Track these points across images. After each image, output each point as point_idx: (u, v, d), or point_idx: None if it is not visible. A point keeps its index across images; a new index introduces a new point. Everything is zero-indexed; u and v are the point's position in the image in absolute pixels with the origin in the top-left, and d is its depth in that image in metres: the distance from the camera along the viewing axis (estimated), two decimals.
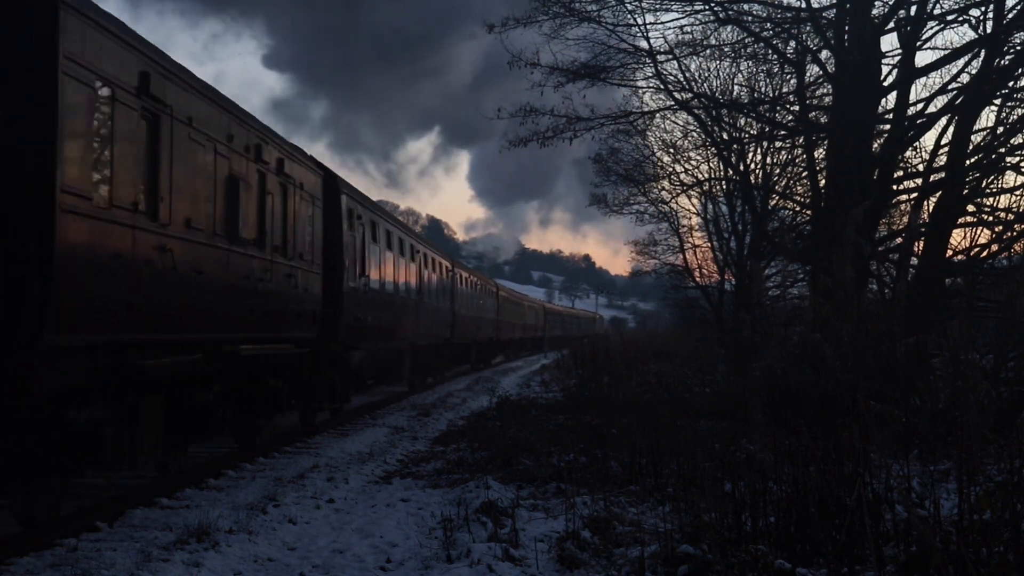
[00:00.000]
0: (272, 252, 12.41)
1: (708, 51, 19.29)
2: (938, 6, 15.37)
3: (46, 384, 7.09)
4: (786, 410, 10.32)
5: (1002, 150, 15.01)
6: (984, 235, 14.96)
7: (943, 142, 15.14)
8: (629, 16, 16.78)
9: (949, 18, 15.33)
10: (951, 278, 14.90)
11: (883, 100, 16.01)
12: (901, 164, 16.06)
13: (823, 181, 16.82)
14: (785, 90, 20.35)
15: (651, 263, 36.22)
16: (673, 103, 19.37)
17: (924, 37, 15.57)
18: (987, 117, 16.38)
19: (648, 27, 17.00)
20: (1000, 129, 15.04)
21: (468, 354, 38.17)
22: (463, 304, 33.73)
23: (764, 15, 17.31)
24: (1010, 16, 14.11)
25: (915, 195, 15.93)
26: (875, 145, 15.82)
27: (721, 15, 16.81)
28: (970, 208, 15.26)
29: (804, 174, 21.00)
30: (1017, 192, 15.06)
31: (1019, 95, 15.17)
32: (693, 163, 29.05)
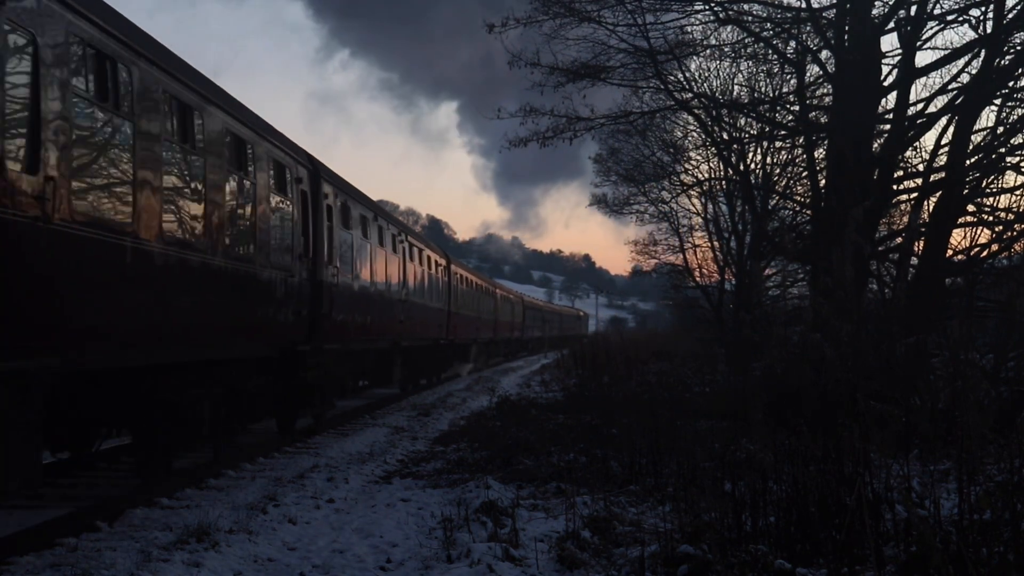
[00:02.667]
0: None
1: (708, 51, 19.31)
2: (938, 6, 15.39)
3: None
4: (786, 410, 10.31)
5: (1002, 150, 15.03)
6: (984, 235, 15.00)
7: (943, 142, 15.16)
8: (629, 16, 16.77)
9: (949, 18, 15.34)
10: (951, 278, 14.90)
11: (883, 100, 16.02)
12: (901, 164, 16.06)
13: (823, 181, 16.82)
14: (785, 90, 20.38)
15: (651, 263, 36.29)
16: (673, 103, 19.37)
17: (924, 37, 15.60)
18: (987, 117, 16.41)
19: (648, 27, 16.90)
20: (1000, 129, 15.06)
21: (384, 368, 21.37)
22: (372, 279, 18.50)
23: (764, 15, 17.33)
24: (1010, 16, 14.11)
25: (915, 195, 15.94)
26: (875, 145, 15.82)
27: (721, 15, 16.82)
28: (970, 208, 15.27)
29: (804, 174, 21.02)
30: (1017, 192, 15.08)
31: (1019, 95, 15.18)
32: (693, 163, 29.12)
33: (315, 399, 14.98)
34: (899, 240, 16.05)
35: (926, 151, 15.98)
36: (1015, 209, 14.86)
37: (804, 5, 16.54)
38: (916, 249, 14.86)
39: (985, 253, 14.85)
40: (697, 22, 17.32)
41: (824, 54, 16.81)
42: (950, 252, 14.74)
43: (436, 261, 27.81)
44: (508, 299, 52.17)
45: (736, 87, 22.47)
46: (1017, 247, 15.05)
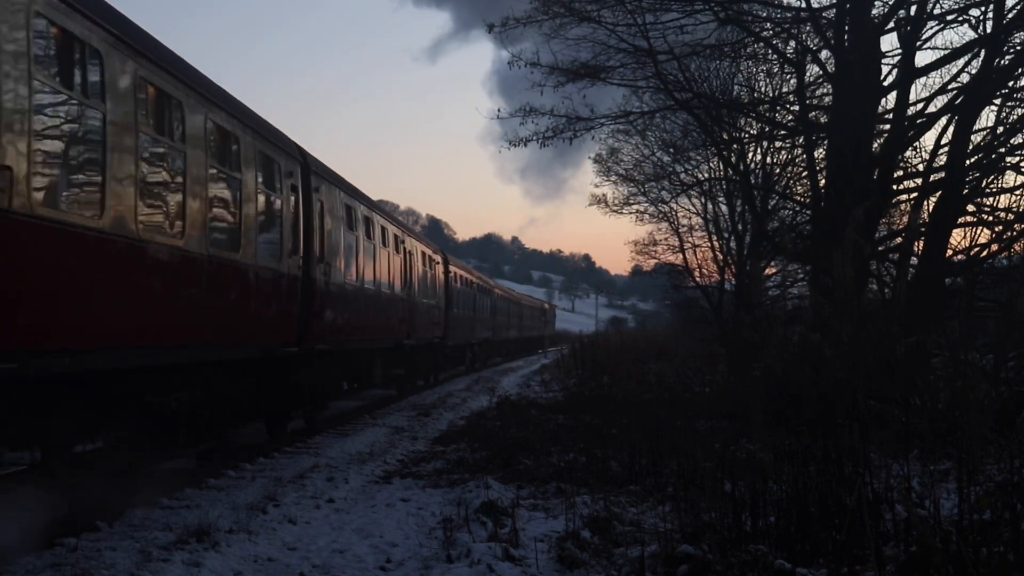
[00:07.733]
0: None
1: (708, 51, 19.28)
2: (938, 6, 15.38)
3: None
4: (786, 410, 10.31)
5: (1002, 150, 15.01)
6: (984, 235, 14.97)
7: (943, 142, 15.14)
8: (629, 16, 16.76)
9: (949, 18, 15.33)
10: (951, 278, 14.89)
11: (883, 100, 16.02)
12: (901, 164, 16.06)
13: (823, 181, 16.82)
14: (785, 90, 20.37)
15: (651, 263, 36.26)
16: (673, 103, 19.36)
17: (924, 37, 15.57)
18: (987, 117, 16.40)
19: (648, 27, 16.87)
20: (1000, 129, 15.04)
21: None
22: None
23: (764, 15, 17.31)
24: (1010, 16, 14.10)
25: (915, 195, 15.94)
26: (875, 145, 15.82)
27: (721, 15, 16.79)
28: (970, 208, 15.26)
29: (804, 174, 21.01)
30: (1017, 192, 15.06)
31: (1019, 95, 15.17)
32: (693, 163, 29.08)
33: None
34: (899, 240, 16.04)
35: (926, 151, 15.98)
36: (1015, 209, 14.85)
37: (804, 5, 16.54)
38: (916, 249, 14.85)
39: (985, 253, 14.84)
40: (697, 22, 17.28)
41: (824, 54, 16.81)
42: (950, 252, 14.72)
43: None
44: (413, 253, 23.21)
45: (736, 87, 22.47)
46: (1017, 247, 15.04)
